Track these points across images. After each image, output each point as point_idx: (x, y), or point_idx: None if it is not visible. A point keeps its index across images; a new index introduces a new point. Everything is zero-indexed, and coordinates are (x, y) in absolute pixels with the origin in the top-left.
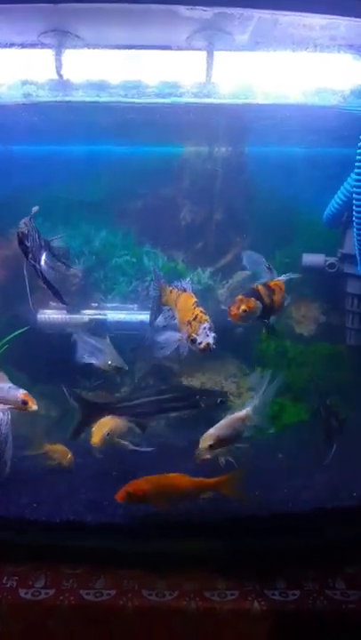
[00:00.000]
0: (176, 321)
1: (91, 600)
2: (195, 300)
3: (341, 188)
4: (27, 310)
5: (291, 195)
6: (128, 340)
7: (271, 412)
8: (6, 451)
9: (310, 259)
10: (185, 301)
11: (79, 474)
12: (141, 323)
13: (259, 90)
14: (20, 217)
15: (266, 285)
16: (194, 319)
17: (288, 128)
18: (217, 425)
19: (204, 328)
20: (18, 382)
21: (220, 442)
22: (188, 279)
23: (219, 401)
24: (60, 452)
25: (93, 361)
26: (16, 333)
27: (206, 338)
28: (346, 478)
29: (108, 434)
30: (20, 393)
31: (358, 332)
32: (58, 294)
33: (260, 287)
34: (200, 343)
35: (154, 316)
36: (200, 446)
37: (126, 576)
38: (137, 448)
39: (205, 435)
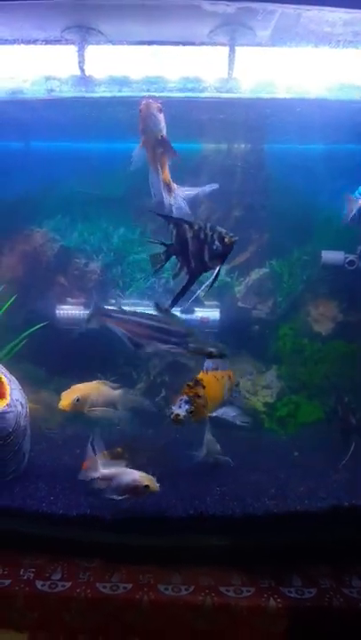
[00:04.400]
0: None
1: (107, 593)
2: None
3: None
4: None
5: (310, 191)
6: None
7: (286, 412)
8: (24, 444)
9: (330, 256)
10: None
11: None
12: None
13: (280, 85)
14: (38, 214)
15: None
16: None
17: (309, 124)
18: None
19: (181, 400)
20: (36, 377)
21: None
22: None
23: (208, 351)
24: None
25: None
26: (34, 329)
27: (178, 409)
28: None
29: (77, 399)
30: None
31: None
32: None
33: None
34: (171, 413)
35: None
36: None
37: (142, 570)
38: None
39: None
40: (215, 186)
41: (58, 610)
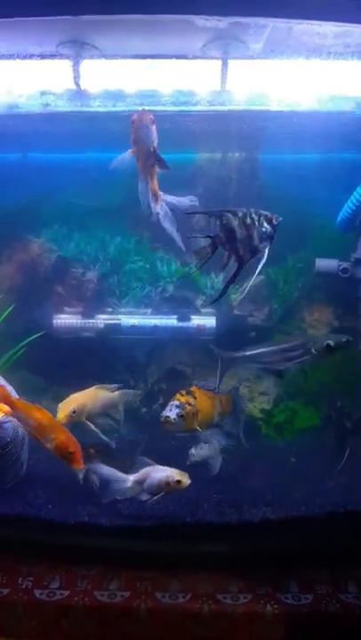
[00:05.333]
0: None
1: (105, 601)
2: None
3: (355, 192)
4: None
5: (304, 200)
6: (141, 345)
7: (283, 418)
8: (22, 453)
9: (323, 263)
10: None
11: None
12: (154, 327)
13: (273, 97)
14: (36, 224)
15: None
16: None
17: (302, 134)
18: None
19: (171, 404)
20: (34, 386)
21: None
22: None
23: (326, 345)
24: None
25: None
26: (32, 338)
27: (168, 412)
28: (358, 481)
29: (74, 411)
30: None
31: None
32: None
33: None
34: (162, 416)
35: None
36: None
37: (140, 578)
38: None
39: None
40: (196, 201)
41: (56, 618)
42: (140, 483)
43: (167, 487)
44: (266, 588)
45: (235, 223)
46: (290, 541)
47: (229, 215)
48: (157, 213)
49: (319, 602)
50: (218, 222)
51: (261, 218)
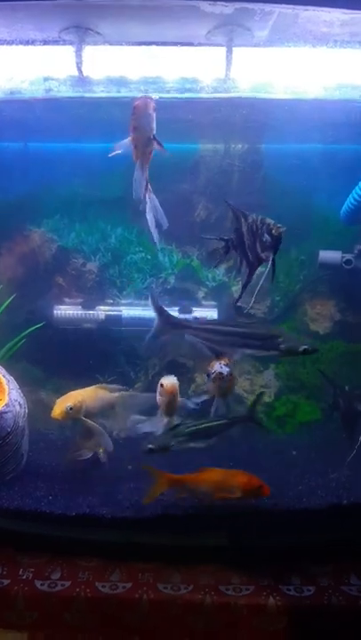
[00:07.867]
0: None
1: (106, 593)
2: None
3: (359, 183)
4: None
5: (308, 191)
6: (142, 337)
7: (284, 411)
8: (23, 444)
9: (327, 255)
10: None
11: (94, 467)
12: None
13: (277, 85)
14: (36, 214)
15: None
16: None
17: (307, 124)
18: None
19: (219, 364)
20: (34, 377)
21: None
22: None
23: (302, 349)
24: None
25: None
26: (32, 329)
27: (220, 369)
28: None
29: (70, 408)
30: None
31: None
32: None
33: None
34: (213, 372)
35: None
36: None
37: (141, 569)
38: None
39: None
40: (166, 225)
41: (57, 609)
42: (160, 422)
43: (165, 395)
44: (268, 580)
45: (244, 228)
46: (292, 534)
47: (242, 219)
48: (147, 202)
49: (322, 594)
50: (234, 224)
51: (264, 227)
